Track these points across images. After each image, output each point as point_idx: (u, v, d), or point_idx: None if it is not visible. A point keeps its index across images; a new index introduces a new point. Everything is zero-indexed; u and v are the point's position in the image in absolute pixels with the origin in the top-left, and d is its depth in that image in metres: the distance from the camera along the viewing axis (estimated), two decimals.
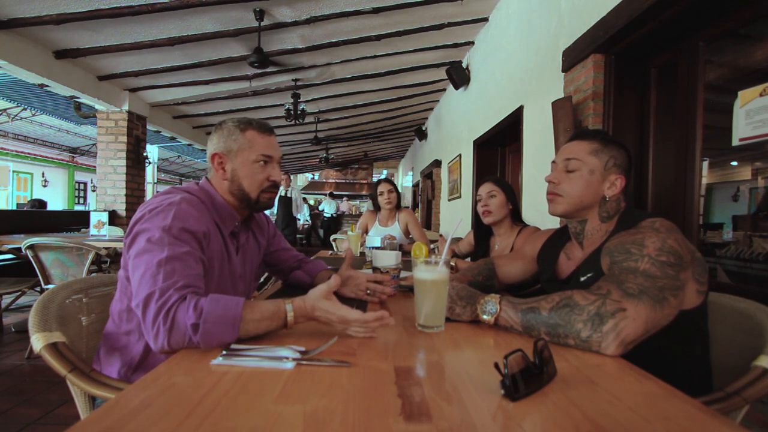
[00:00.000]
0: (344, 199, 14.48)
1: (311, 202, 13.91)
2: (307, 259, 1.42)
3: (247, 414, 0.50)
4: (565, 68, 2.37)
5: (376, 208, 2.95)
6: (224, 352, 0.70)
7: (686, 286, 0.82)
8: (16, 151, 11.33)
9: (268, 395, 0.55)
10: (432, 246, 2.25)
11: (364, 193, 15.17)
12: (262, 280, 2.34)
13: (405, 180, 12.67)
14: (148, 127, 5.49)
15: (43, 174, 12.61)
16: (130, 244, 0.87)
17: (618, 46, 2.00)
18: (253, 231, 1.19)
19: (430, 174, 7.22)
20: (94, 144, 8.07)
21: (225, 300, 0.76)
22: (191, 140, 6.64)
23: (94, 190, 13.68)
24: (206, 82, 4.70)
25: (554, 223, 2.17)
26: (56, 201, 12.63)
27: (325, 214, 11.68)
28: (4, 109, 8.82)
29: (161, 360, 0.96)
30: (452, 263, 1.70)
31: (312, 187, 15.55)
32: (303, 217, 6.97)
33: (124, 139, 4.90)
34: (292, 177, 14.54)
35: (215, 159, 1.04)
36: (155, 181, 7.91)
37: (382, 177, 3.33)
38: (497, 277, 1.28)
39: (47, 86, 4.10)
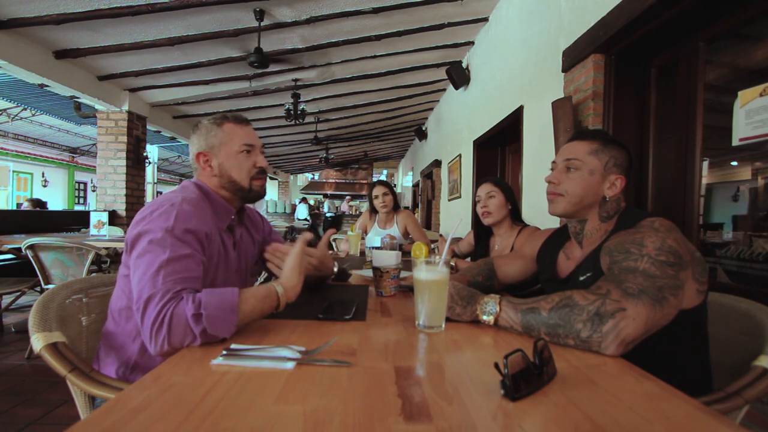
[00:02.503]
0: (347, 198, 14.47)
1: (311, 202, 13.93)
2: None
3: (247, 414, 0.50)
4: (565, 68, 2.37)
5: (373, 210, 2.94)
6: (224, 352, 0.70)
7: (686, 286, 0.82)
8: (16, 151, 11.33)
9: (268, 395, 0.55)
10: (432, 246, 2.25)
11: (364, 193, 15.20)
12: (262, 279, 2.34)
13: (405, 180, 12.67)
14: (148, 127, 5.49)
15: (43, 174, 12.61)
16: (132, 245, 0.87)
17: (618, 46, 2.00)
18: (246, 226, 1.20)
19: (430, 174, 7.22)
20: (94, 144, 8.08)
21: (220, 290, 0.80)
22: None
23: (94, 190, 13.69)
24: (206, 82, 4.71)
25: (554, 223, 2.17)
26: (56, 201, 12.63)
27: (328, 215, 11.69)
28: (4, 109, 8.82)
29: (158, 360, 0.96)
30: (452, 263, 1.70)
31: (312, 187, 15.56)
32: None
33: (124, 139, 4.90)
34: (291, 177, 14.54)
35: (200, 158, 1.06)
36: (155, 181, 7.91)
37: (380, 179, 3.32)
38: (497, 277, 1.28)
39: (47, 86, 4.10)
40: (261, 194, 1.11)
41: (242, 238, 1.16)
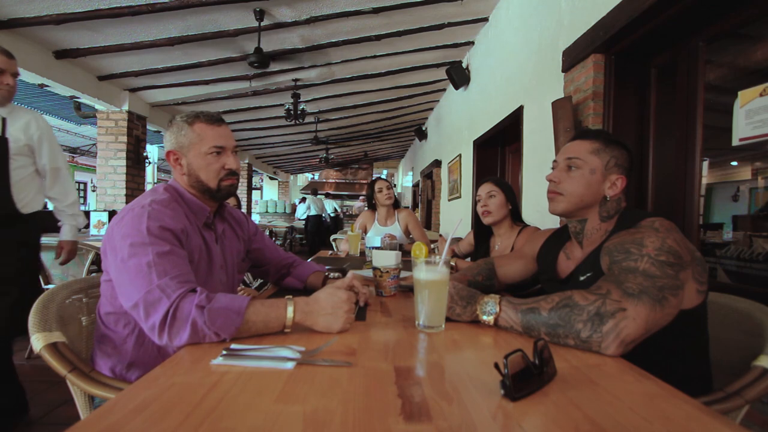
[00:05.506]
0: (360, 198, 14.29)
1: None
2: (298, 262, 1.38)
3: (247, 414, 0.50)
4: (565, 68, 2.37)
5: (372, 207, 2.95)
6: (224, 352, 0.70)
7: (686, 286, 0.82)
8: None
9: (268, 395, 0.55)
10: (432, 246, 2.25)
11: (363, 193, 15.16)
12: (257, 284, 2.33)
13: (405, 180, 12.67)
14: (148, 127, 5.48)
15: None
16: (112, 251, 0.87)
17: (618, 46, 2.00)
18: (228, 222, 1.21)
19: (430, 174, 7.22)
20: (94, 144, 8.07)
21: (232, 295, 0.80)
22: None
23: (94, 190, 13.67)
24: (206, 82, 4.70)
25: (554, 223, 2.17)
26: None
27: (324, 214, 11.56)
28: None
29: (155, 356, 0.97)
30: (452, 263, 1.70)
31: (312, 187, 15.54)
32: None
33: (124, 139, 4.90)
34: (291, 177, 14.46)
35: (170, 156, 1.06)
36: (155, 181, 7.91)
37: (380, 177, 3.34)
38: (497, 277, 1.28)
39: (47, 86, 4.10)
40: (231, 193, 1.10)
41: (225, 234, 1.17)
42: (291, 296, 0.83)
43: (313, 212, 10.34)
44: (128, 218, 0.89)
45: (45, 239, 2.58)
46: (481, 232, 1.99)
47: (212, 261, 1.07)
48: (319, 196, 10.99)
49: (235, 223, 1.24)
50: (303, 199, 11.77)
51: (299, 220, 10.85)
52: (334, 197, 13.05)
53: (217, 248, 1.10)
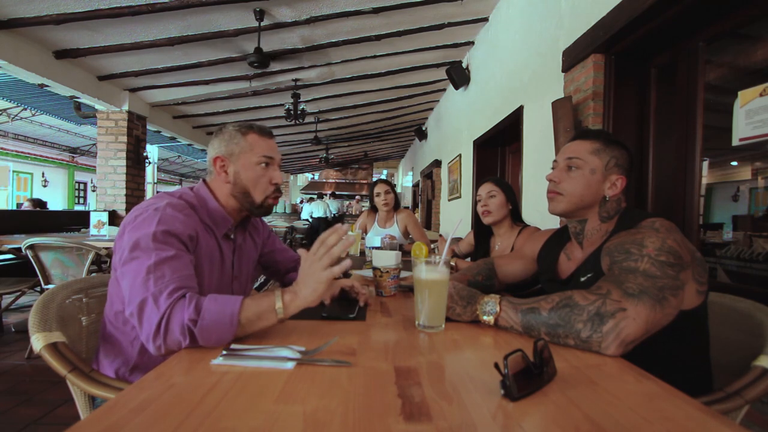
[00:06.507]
0: (356, 198, 14.20)
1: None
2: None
3: (247, 414, 0.50)
4: (565, 68, 2.37)
5: (374, 209, 2.95)
6: (224, 352, 0.70)
7: (686, 287, 0.82)
8: (16, 151, 11.33)
9: (268, 395, 0.55)
10: (432, 246, 2.25)
11: (364, 193, 15.17)
12: (261, 280, 2.34)
13: (405, 180, 12.67)
14: (148, 127, 5.49)
15: (43, 174, 12.60)
16: (119, 252, 0.87)
17: (618, 46, 2.00)
18: (249, 231, 1.20)
19: (430, 174, 7.22)
20: (94, 144, 8.08)
21: (224, 297, 0.78)
22: (191, 140, 6.64)
23: (94, 190, 13.68)
24: (206, 82, 4.70)
25: (554, 223, 2.17)
26: (56, 201, 12.63)
27: (329, 215, 11.55)
28: (4, 109, 8.82)
29: (158, 360, 0.97)
30: (452, 263, 1.70)
31: (312, 187, 15.56)
32: None
33: (124, 139, 4.90)
34: (291, 177, 14.45)
35: (217, 162, 1.04)
36: (155, 181, 7.91)
37: (380, 177, 3.32)
38: (497, 277, 1.28)
39: (47, 86, 4.10)
40: (269, 211, 1.11)
41: (245, 242, 1.16)
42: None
43: (316, 214, 10.41)
44: (140, 220, 0.88)
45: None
46: (481, 232, 1.99)
47: (224, 272, 1.06)
48: (324, 198, 11.06)
49: (253, 229, 1.24)
50: (310, 199, 11.80)
51: (301, 220, 10.86)
52: (335, 198, 13.06)
53: (234, 259, 1.10)
